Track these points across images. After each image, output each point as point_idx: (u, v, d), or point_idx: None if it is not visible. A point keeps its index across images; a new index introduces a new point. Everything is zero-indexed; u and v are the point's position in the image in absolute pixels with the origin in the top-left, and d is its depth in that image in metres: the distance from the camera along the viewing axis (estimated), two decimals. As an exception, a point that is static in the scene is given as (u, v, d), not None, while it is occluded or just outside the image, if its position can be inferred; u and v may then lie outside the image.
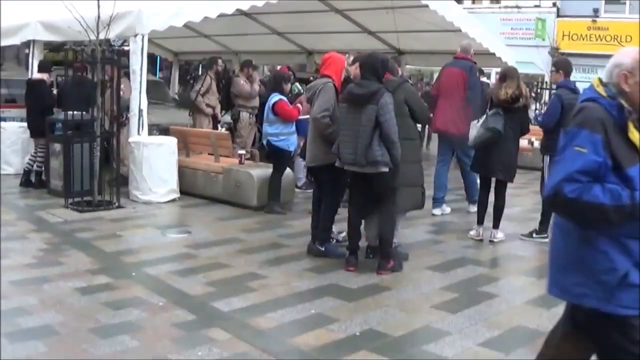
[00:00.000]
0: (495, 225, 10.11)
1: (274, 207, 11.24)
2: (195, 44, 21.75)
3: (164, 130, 13.82)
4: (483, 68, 17.01)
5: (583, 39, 28.83)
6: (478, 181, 10.94)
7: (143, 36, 11.92)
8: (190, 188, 12.23)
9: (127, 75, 12.16)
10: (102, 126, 11.45)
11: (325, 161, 8.41)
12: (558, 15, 30.21)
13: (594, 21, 29.06)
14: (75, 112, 11.45)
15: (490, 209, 10.09)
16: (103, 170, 11.34)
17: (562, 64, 10.33)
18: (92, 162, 11.38)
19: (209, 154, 12.95)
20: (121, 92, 11.66)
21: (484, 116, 9.84)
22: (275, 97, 11.04)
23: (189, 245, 9.07)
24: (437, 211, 11.76)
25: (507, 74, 9.84)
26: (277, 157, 11.25)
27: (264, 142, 11.30)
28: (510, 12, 31.10)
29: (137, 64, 11.93)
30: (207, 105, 14.22)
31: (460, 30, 15.99)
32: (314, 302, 7.11)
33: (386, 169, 7.94)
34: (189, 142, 12.69)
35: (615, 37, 28.65)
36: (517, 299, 7.57)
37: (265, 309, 6.83)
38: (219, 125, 14.73)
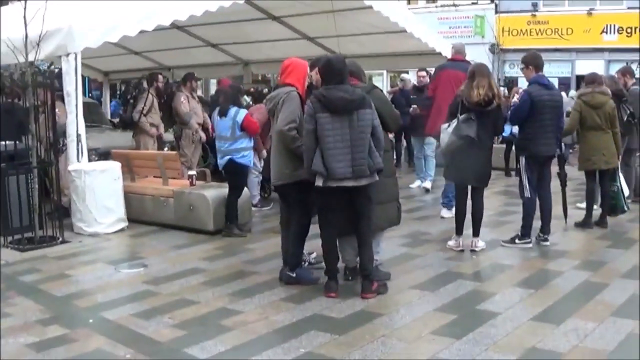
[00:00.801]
0: (475, 233, 9.52)
1: (233, 230, 10.44)
2: (126, 61, 20.77)
3: (103, 155, 12.90)
4: (428, 69, 16.41)
5: (523, 34, 28.64)
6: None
7: (76, 55, 10.96)
8: (139, 215, 11.33)
9: (61, 98, 11.13)
10: (39, 155, 10.46)
11: (294, 178, 7.62)
12: (497, 12, 29.84)
13: (534, 15, 28.80)
14: (7, 142, 10.47)
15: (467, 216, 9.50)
16: (42, 203, 10.37)
17: (530, 58, 9.78)
18: (30, 194, 10.44)
19: (154, 176, 12.01)
20: (56, 117, 10.67)
21: (455, 121, 9.13)
22: (241, 113, 10.33)
23: (147, 281, 8.20)
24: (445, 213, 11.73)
25: (477, 72, 9.19)
26: (237, 175, 10.49)
27: (221, 161, 10.45)
28: (447, 11, 30.71)
29: (72, 85, 10.97)
30: (151, 124, 13.27)
31: (405, 31, 15.44)
32: (301, 338, 6.31)
33: (377, 178, 7.27)
34: (133, 166, 11.77)
35: (556, 30, 28.51)
36: (521, 315, 6.89)
37: (247, 351, 6.02)
38: (164, 146, 13.79)
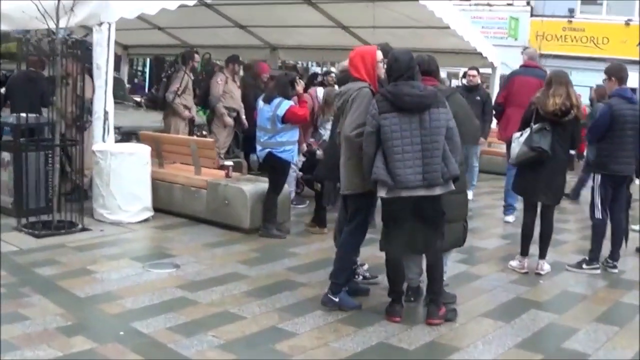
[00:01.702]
0: (542, 255, 8.60)
1: (271, 230, 9.49)
2: (148, 36, 19.76)
3: (126, 135, 11.92)
4: (465, 69, 15.46)
5: (558, 40, 27.60)
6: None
7: (110, 25, 10.02)
8: (166, 205, 10.38)
9: (89, 71, 10.13)
10: (62, 132, 9.50)
11: (363, 188, 6.60)
12: (532, 15, 28.85)
13: (570, 22, 27.82)
14: (27, 115, 9.56)
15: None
16: (60, 183, 9.49)
17: (613, 70, 8.85)
18: (49, 174, 9.51)
19: (181, 162, 11.03)
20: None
21: (527, 130, 8.20)
22: (284, 105, 9.32)
23: (182, 286, 7.24)
24: (509, 218, 11.46)
25: (554, 79, 8.27)
26: (278, 171, 9.52)
27: (260, 153, 9.49)
28: (481, 10, 29.62)
29: (102, 58, 10.04)
30: (184, 106, 12.29)
31: (448, 28, 14.56)
32: (371, 374, 5.32)
33: (452, 187, 6.33)
34: (162, 150, 10.78)
35: (592, 38, 27.52)
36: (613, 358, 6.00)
37: (310, 387, 5.02)
38: (195, 129, 12.82)
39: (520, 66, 11.88)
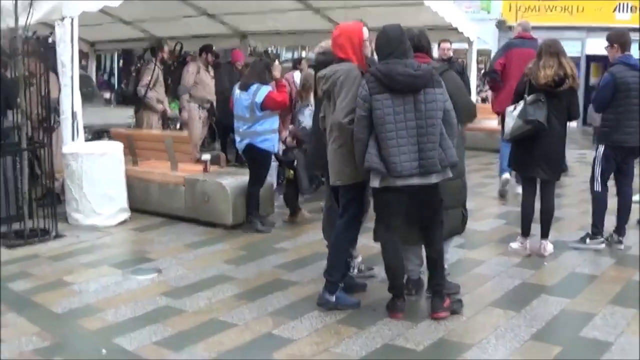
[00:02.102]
0: (544, 234, 8.18)
1: (256, 225, 9.04)
2: (114, 30, 19.04)
3: (97, 134, 11.40)
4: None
5: (532, 10, 27.01)
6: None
7: (72, 19, 9.43)
8: (142, 204, 9.90)
9: (54, 70, 9.57)
10: (28, 135, 8.96)
11: (356, 178, 6.14)
12: (504, -15, 28.35)
13: (543, -9, 27.32)
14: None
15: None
16: (31, 189, 8.98)
17: (615, 36, 8.41)
18: (18, 180, 8.97)
19: (156, 159, 10.51)
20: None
21: (521, 103, 7.78)
22: (262, 90, 8.81)
23: (166, 293, 6.76)
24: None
25: (544, 50, 7.85)
26: (259, 163, 9.04)
27: (239, 144, 9.00)
28: (450, -15, 29.07)
29: (67, 55, 9.46)
30: (157, 100, 11.75)
31: (421, 3, 13.88)
32: (380, 380, 4.87)
33: (450, 174, 5.90)
34: (136, 148, 10.26)
35: (566, 8, 27.05)
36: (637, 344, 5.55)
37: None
38: (170, 123, 12.31)
39: (515, 37, 11.56)
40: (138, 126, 11.73)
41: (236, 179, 9.31)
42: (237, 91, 9.08)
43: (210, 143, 13.53)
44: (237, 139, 9.05)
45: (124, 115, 12.75)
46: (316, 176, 9.28)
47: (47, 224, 8.89)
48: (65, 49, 9.45)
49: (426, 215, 6.10)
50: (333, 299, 6.32)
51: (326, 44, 6.94)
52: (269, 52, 23.84)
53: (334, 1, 14.85)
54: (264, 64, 9.29)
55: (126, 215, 9.50)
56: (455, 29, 15.01)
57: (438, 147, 5.73)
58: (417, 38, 6.38)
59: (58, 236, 8.80)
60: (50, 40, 9.50)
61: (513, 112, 7.89)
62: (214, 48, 13.45)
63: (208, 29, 18.13)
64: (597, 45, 23.23)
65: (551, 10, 27.35)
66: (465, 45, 16.78)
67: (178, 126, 12.74)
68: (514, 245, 8.23)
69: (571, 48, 27.28)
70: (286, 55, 27.90)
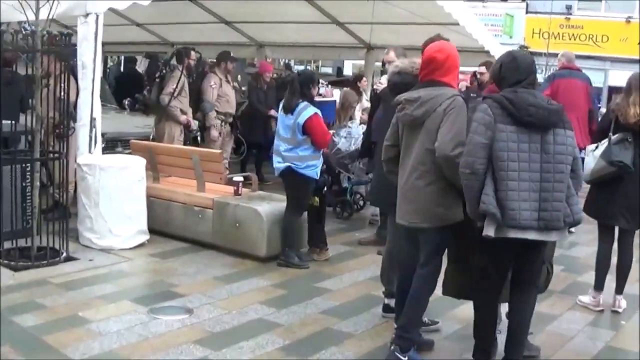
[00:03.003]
0: (619, 289, 7.25)
1: (292, 259, 8.08)
2: (125, 33, 18.31)
3: (110, 142, 10.41)
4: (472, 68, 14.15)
5: (555, 38, 26.42)
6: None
7: (97, 16, 8.54)
8: (163, 226, 8.92)
9: (72, 71, 8.59)
10: (43, 142, 8.00)
11: (447, 221, 5.23)
12: (527, 12, 27.72)
13: (567, 19, 26.67)
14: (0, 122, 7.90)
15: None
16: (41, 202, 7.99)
17: None
18: (27, 192, 8.10)
19: (179, 176, 9.54)
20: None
21: (605, 141, 6.88)
22: (307, 111, 7.82)
23: (202, 340, 5.79)
24: None
25: (634, 85, 6.92)
26: (299, 189, 8.06)
27: (278, 165, 8.04)
28: (474, 7, 28.31)
29: (89, 55, 8.59)
30: (181, 110, 10.78)
31: (456, 24, 12.98)
32: None
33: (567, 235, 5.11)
34: (158, 162, 9.27)
35: (591, 36, 26.42)
36: None
37: None
38: (191, 135, 11.35)
39: (560, 68, 11.05)
40: (158, 138, 10.73)
41: (272, 205, 8.34)
42: (280, 112, 8.14)
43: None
44: (277, 159, 8.10)
45: (140, 123, 11.80)
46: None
47: (56, 242, 7.87)
48: (87, 49, 8.59)
49: (524, 275, 5.20)
50: (405, 359, 5.34)
51: (402, 62, 6.11)
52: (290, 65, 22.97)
53: (361, 15, 14.07)
54: (306, 78, 8.31)
55: (145, 237, 8.53)
56: (487, 52, 14.10)
57: (564, 199, 4.80)
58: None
59: (69, 258, 7.84)
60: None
61: (595, 152, 6.97)
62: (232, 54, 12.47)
63: (224, 37, 17.49)
64: (620, 76, 22.66)
65: (575, 39, 26.64)
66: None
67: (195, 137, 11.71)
68: (584, 299, 7.32)
69: (593, 78, 26.58)
70: (298, 67, 26.95)
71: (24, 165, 8.04)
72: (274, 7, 14.82)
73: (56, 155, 8.16)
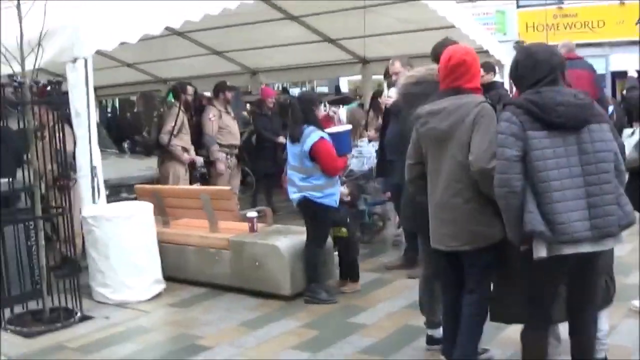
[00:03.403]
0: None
1: (319, 295, 7.60)
2: (115, 75, 17.93)
3: (114, 188, 9.97)
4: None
5: (550, 29, 25.87)
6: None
7: (86, 60, 8.06)
8: (178, 272, 8.48)
9: (67, 120, 8.16)
10: (43, 197, 7.57)
11: (489, 240, 4.77)
12: (518, 6, 27.38)
13: (560, 8, 26.24)
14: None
15: None
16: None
17: None
18: (33, 251, 7.67)
19: (187, 217, 9.10)
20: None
21: (637, 129, 6.40)
22: (314, 135, 7.40)
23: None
24: None
25: None
26: (319, 220, 7.61)
27: (295, 197, 7.59)
28: (464, 7, 27.95)
29: (81, 101, 8.12)
30: (183, 148, 10.34)
31: (452, 27, 12.55)
32: None
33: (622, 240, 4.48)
34: (166, 206, 8.82)
35: (586, 23, 25.92)
36: None
37: None
38: (198, 175, 10.92)
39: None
40: (163, 179, 10.31)
41: (291, 239, 7.88)
42: (288, 140, 7.72)
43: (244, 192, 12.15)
44: (292, 189, 7.67)
45: (142, 166, 11.40)
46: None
47: (68, 301, 7.44)
48: (79, 95, 8.14)
49: (582, 292, 4.71)
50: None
51: (418, 71, 5.66)
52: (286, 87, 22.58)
53: (353, 30, 13.74)
54: (307, 100, 7.88)
55: (161, 287, 8.08)
56: (486, 52, 13.78)
57: (615, 201, 4.31)
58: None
59: (84, 318, 7.38)
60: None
61: (630, 139, 6.48)
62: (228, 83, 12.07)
63: (215, 68, 17.17)
64: (622, 61, 22.26)
65: (570, 28, 26.23)
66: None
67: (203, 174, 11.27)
68: (637, 303, 6.81)
69: (595, 65, 26.17)
70: (293, 90, 26.56)
71: (26, 223, 7.56)
72: (264, 32, 14.52)
73: (59, 210, 7.67)
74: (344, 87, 27.67)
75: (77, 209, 8.08)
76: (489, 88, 10.64)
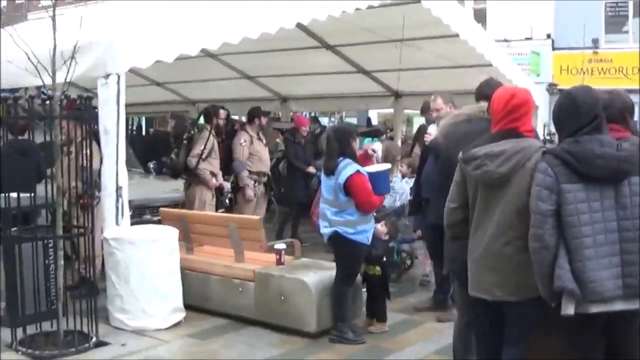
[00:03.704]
0: None
1: (346, 334, 7.29)
2: (143, 93, 17.67)
3: (138, 210, 9.70)
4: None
5: (584, 73, 25.56)
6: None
7: (119, 77, 7.80)
8: (199, 301, 8.17)
9: (95, 136, 7.90)
10: (65, 214, 7.30)
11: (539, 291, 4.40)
12: (553, 48, 27.08)
13: (595, 52, 25.90)
14: (19, 196, 7.23)
15: None
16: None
17: None
18: (51, 270, 7.34)
19: (211, 245, 8.82)
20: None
21: None
22: (349, 168, 7.14)
23: None
24: None
25: None
26: (350, 257, 7.30)
27: (326, 232, 7.28)
28: (499, 47, 27.87)
29: (111, 119, 7.84)
30: (211, 173, 10.08)
31: (489, 65, 12.47)
32: None
33: None
34: (191, 232, 8.53)
35: (620, 69, 25.59)
36: None
37: None
38: (225, 200, 10.62)
39: None
40: (189, 203, 10.04)
41: (320, 274, 7.57)
42: (322, 173, 7.46)
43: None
44: (323, 224, 7.36)
45: (168, 188, 11.14)
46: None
47: (84, 324, 7.15)
48: (109, 113, 7.86)
49: (620, 349, 4.45)
50: None
51: (470, 109, 5.38)
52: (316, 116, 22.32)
53: (387, 62, 13.36)
54: (344, 131, 7.60)
55: (181, 316, 7.78)
56: None
57: None
58: (607, 103, 4.70)
59: (100, 343, 7.11)
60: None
61: None
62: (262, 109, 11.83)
63: (245, 92, 16.95)
64: (657, 108, 21.92)
65: (605, 73, 25.94)
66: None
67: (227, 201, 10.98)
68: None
69: (631, 111, 25.94)
70: (323, 119, 26.28)
71: (46, 241, 7.29)
72: (298, 59, 14.32)
73: (81, 230, 7.39)
74: (373, 120, 27.41)
75: (98, 228, 7.83)
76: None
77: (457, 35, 11.48)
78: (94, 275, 7.69)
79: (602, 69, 26.21)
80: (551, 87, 25.30)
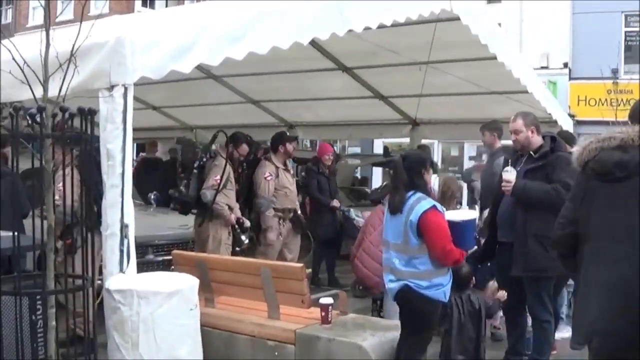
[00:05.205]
0: None
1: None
2: (138, 118, 16.10)
3: (140, 249, 8.17)
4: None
5: (602, 104, 24.56)
6: None
7: (125, 88, 6.25)
8: (220, 365, 6.62)
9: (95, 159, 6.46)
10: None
11: None
12: (570, 78, 26.21)
13: (615, 83, 24.79)
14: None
15: None
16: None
17: None
18: (39, 327, 6.00)
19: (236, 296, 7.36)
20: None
21: None
22: (424, 202, 5.79)
23: None
24: None
25: None
26: (422, 317, 5.87)
27: (392, 286, 5.78)
28: (516, 76, 26.86)
29: (116, 141, 6.29)
30: (228, 207, 8.73)
31: (524, 92, 11.26)
32: None
33: None
34: (211, 280, 6.99)
35: (641, 102, 24.49)
36: None
37: None
38: (243, 238, 9.13)
39: None
40: (199, 242, 8.66)
41: (379, 337, 6.13)
42: (386, 211, 6.11)
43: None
44: (388, 277, 5.90)
45: (172, 223, 9.83)
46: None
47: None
48: (113, 134, 6.29)
49: None
50: None
51: (624, 132, 4.10)
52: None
53: (407, 86, 12.50)
54: (416, 159, 6.13)
55: (199, 383, 6.25)
56: (555, 122, 12.45)
57: None
58: None
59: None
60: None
61: None
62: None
63: (249, 118, 15.70)
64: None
65: (624, 104, 24.79)
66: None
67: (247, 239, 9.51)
68: None
69: (648, 145, 24.81)
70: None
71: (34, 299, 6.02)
72: (307, 82, 13.19)
73: (78, 284, 5.90)
74: (378, 148, 26.12)
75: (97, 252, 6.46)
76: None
77: (493, 58, 10.12)
78: (94, 332, 6.25)
79: (622, 100, 25.17)
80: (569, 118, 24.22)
